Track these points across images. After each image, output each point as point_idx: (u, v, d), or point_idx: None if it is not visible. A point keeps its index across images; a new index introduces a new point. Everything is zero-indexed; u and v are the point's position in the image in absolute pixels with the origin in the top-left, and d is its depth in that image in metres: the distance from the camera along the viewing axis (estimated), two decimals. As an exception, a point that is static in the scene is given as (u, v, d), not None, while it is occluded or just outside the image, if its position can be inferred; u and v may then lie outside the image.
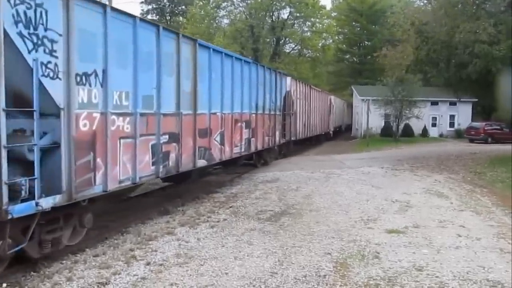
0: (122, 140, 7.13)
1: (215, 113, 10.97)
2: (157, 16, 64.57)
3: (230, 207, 10.15)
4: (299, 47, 56.49)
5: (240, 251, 6.95)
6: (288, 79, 19.91)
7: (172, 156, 8.81)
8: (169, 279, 5.79)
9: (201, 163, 10.24)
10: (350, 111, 51.27)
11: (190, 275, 5.93)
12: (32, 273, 5.88)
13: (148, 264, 6.32)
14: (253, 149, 14.26)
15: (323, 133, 31.75)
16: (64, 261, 6.37)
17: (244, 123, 13.10)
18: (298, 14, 52.46)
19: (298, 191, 12.32)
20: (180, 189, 12.04)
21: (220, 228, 8.26)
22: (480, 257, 6.73)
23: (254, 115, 14.01)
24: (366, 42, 57.29)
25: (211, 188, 12.32)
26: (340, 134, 43.12)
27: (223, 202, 10.73)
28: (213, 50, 10.90)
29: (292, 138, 20.78)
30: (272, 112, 16.23)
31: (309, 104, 25.33)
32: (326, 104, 32.79)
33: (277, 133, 17.14)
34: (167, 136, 8.56)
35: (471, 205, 10.71)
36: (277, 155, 19.42)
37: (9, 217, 4.98)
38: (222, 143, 11.45)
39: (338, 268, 6.25)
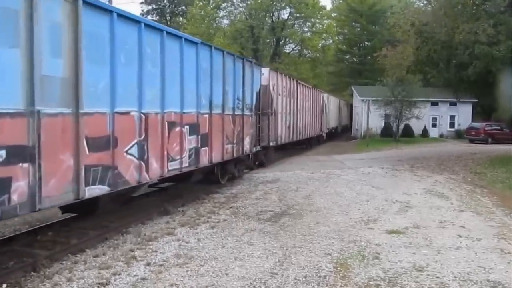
0: None
1: (126, 113, 7.38)
2: (157, 17, 64.55)
3: (230, 207, 10.15)
4: (299, 48, 56.57)
5: (240, 251, 6.94)
6: (265, 70, 16.44)
7: (19, 185, 5.27)
8: (169, 279, 5.78)
9: (96, 191, 6.67)
10: (347, 111, 49.10)
11: (190, 275, 5.93)
12: (32, 273, 5.87)
13: (148, 264, 6.31)
14: (205, 161, 10.47)
15: (315, 135, 28.70)
16: (64, 262, 6.36)
17: (187, 127, 9.47)
18: (298, 15, 52.53)
19: (298, 191, 12.32)
20: (181, 189, 12.02)
21: (220, 229, 8.26)
22: (481, 258, 6.72)
23: (206, 116, 10.41)
24: (366, 43, 57.28)
25: (211, 189, 12.31)
26: (336, 136, 39.91)
27: (223, 202, 10.72)
28: (120, 15, 7.08)
29: (272, 144, 17.59)
30: (239, 112, 12.52)
31: (296, 102, 21.89)
32: (318, 103, 29.21)
33: (248, 138, 13.49)
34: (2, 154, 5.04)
35: (472, 205, 10.70)
36: (251, 166, 16.09)
37: None
38: (143, 157, 7.85)
39: (338, 268, 6.24)
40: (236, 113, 12.30)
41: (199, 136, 10.08)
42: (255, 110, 14.45)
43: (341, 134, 42.70)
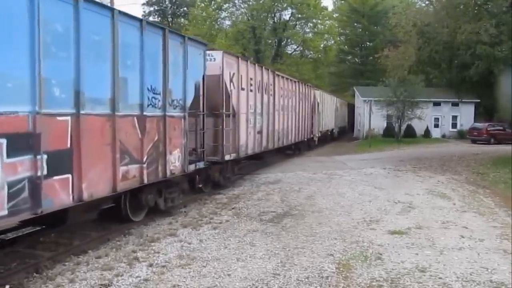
0: None
1: None
2: (159, 18, 64.67)
3: (233, 208, 10.15)
4: (301, 48, 56.55)
5: (243, 252, 6.94)
6: (217, 54, 11.98)
7: None
8: (172, 280, 5.79)
9: None
10: (345, 111, 44.76)
11: (193, 276, 5.93)
12: (34, 274, 5.89)
13: (150, 265, 6.31)
14: (63, 201, 6.09)
15: (305, 139, 23.95)
16: (66, 263, 6.38)
17: (4, 142, 5.12)
18: (299, 15, 52.53)
19: (301, 192, 12.31)
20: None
21: (223, 230, 8.26)
22: (483, 258, 6.71)
23: (64, 118, 6.09)
24: (368, 43, 57.24)
25: (214, 190, 12.31)
26: (331, 141, 35.01)
27: (226, 203, 10.73)
28: None
29: (230, 157, 12.51)
30: (156, 113, 8.27)
31: (273, 99, 16.96)
32: (308, 101, 24.21)
33: (177, 152, 9.08)
34: None
35: (474, 206, 10.68)
36: (193, 189, 11.35)
37: None
38: None
39: (341, 269, 6.24)
40: (148, 113, 7.90)
41: (41, 157, 5.56)
42: (195, 109, 10.16)
43: (337, 138, 38.28)
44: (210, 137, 11.72)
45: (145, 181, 7.93)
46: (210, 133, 11.71)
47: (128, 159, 7.46)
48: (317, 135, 27.69)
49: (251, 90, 14.23)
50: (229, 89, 12.36)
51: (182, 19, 64.38)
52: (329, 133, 34.21)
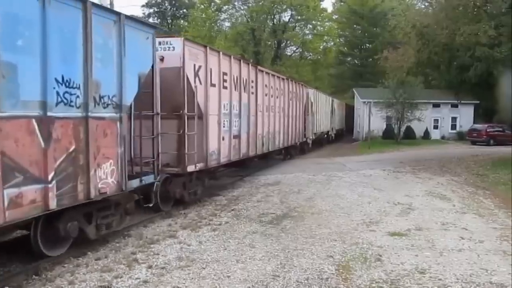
0: None
1: None
2: (159, 20, 64.73)
3: (232, 210, 10.14)
4: (301, 50, 56.62)
5: (242, 254, 6.93)
6: (177, 42, 9.78)
7: None
8: (171, 282, 5.78)
9: None
10: (343, 112, 42.72)
11: (192, 278, 5.92)
12: (34, 276, 5.87)
13: (150, 267, 6.31)
14: None
15: (295, 143, 21.61)
16: (66, 265, 6.36)
17: None
18: (299, 17, 52.60)
19: (300, 193, 12.30)
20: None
21: (222, 231, 8.25)
22: (483, 260, 6.70)
23: None
24: (367, 45, 57.28)
25: (213, 191, 12.30)
26: (326, 144, 32.87)
27: (225, 205, 10.72)
28: None
29: (195, 167, 10.31)
30: (72, 113, 6.23)
31: (255, 98, 14.62)
32: (300, 101, 22.09)
33: (108, 165, 6.95)
34: None
35: (474, 207, 10.68)
36: (140, 210, 8.89)
37: None
38: None
39: (341, 271, 6.23)
40: (57, 113, 5.86)
41: None
42: (147, 109, 8.44)
43: (334, 140, 36.10)
44: (171, 143, 9.80)
45: (53, 206, 5.78)
46: (172, 139, 9.79)
47: (19, 179, 5.30)
48: (311, 137, 25.30)
49: (225, 87, 11.91)
50: (193, 85, 10.14)
51: (182, 21, 64.46)
52: (325, 135, 32.41)
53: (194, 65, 10.29)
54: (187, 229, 8.34)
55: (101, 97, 6.72)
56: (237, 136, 13.01)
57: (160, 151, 9.02)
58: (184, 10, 63.88)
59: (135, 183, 7.91)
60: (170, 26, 61.46)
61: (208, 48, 11.24)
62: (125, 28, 7.18)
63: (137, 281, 5.81)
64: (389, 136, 35.91)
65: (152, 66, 8.20)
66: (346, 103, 47.31)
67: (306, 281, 5.83)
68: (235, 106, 12.85)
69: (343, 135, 42.92)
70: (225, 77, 12.03)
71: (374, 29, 55.32)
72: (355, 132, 44.71)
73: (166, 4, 66.66)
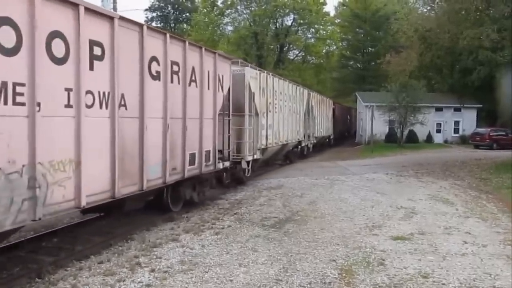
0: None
1: None
2: (161, 23, 64.98)
3: (235, 213, 10.14)
4: (303, 54, 56.67)
5: (245, 258, 6.93)
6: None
7: None
8: (174, 286, 5.78)
9: None
10: (332, 115, 33.69)
11: (195, 282, 5.92)
12: (36, 279, 5.88)
13: (152, 271, 6.31)
14: None
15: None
16: (68, 268, 6.37)
17: None
18: (301, 21, 52.66)
19: (303, 197, 12.29)
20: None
21: (225, 235, 8.25)
22: (487, 264, 6.68)
23: None
24: (370, 49, 57.40)
25: (216, 195, 12.31)
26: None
27: (228, 208, 10.72)
28: None
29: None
30: None
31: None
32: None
33: None
34: None
35: (477, 211, 10.64)
36: None
37: None
38: None
39: (343, 275, 6.22)
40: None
41: None
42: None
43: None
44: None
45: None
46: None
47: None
48: (253, 156, 16.54)
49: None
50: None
51: (185, 25, 64.68)
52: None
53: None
54: (189, 233, 8.34)
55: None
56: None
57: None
58: (187, 14, 64.14)
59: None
60: (173, 30, 61.64)
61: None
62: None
63: (140, 285, 5.81)
64: (392, 140, 35.86)
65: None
66: (338, 102, 41.03)
67: (308, 285, 5.82)
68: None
69: (346, 139, 41.15)
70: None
71: (377, 33, 55.42)
72: (357, 136, 44.69)
73: (169, 8, 66.98)
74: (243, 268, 6.45)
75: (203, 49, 9.92)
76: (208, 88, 10.22)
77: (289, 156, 21.49)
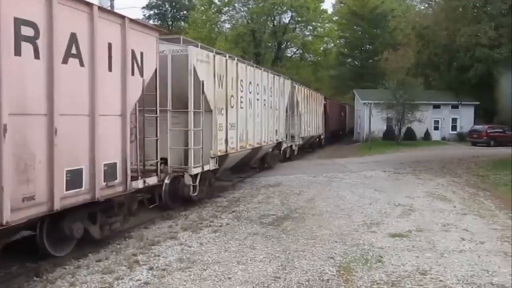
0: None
1: None
2: (159, 21, 64.79)
3: (233, 211, 10.14)
4: (301, 51, 56.71)
5: (243, 255, 6.93)
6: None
7: None
8: (172, 284, 5.78)
9: None
10: (322, 113, 30.57)
11: (193, 279, 5.92)
12: (34, 278, 5.88)
13: (151, 269, 6.31)
14: None
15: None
16: (67, 266, 6.36)
17: None
18: (299, 19, 52.65)
19: (301, 195, 12.30)
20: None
21: (223, 233, 8.25)
22: (484, 261, 6.70)
23: None
24: (368, 46, 57.33)
25: (214, 192, 12.31)
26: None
27: (226, 206, 10.72)
28: None
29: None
30: None
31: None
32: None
33: None
34: None
35: (475, 208, 10.67)
36: None
37: None
38: None
39: (341, 272, 6.23)
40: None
41: None
42: None
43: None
44: None
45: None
46: None
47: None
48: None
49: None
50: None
51: (182, 23, 64.52)
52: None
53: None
54: (188, 231, 8.34)
55: None
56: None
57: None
58: (185, 12, 63.94)
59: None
60: (170, 27, 61.50)
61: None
62: None
63: (138, 282, 5.81)
64: (390, 138, 35.89)
65: None
66: (330, 98, 38.34)
67: (307, 283, 5.83)
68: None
69: (341, 138, 39.54)
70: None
71: (374, 30, 55.39)
72: (355, 133, 44.74)
73: (167, 6, 66.76)
74: (241, 266, 6.45)
75: (96, 7, 6.51)
76: (110, 70, 6.87)
77: (266, 160, 17.74)
